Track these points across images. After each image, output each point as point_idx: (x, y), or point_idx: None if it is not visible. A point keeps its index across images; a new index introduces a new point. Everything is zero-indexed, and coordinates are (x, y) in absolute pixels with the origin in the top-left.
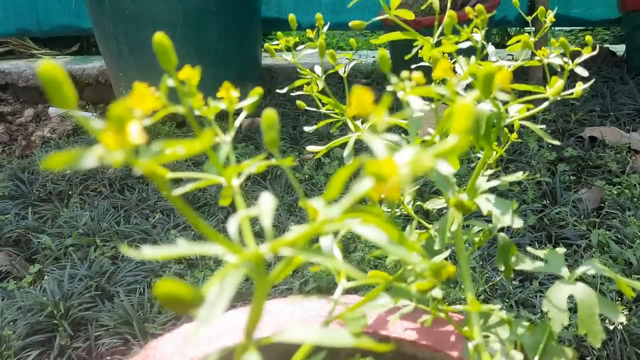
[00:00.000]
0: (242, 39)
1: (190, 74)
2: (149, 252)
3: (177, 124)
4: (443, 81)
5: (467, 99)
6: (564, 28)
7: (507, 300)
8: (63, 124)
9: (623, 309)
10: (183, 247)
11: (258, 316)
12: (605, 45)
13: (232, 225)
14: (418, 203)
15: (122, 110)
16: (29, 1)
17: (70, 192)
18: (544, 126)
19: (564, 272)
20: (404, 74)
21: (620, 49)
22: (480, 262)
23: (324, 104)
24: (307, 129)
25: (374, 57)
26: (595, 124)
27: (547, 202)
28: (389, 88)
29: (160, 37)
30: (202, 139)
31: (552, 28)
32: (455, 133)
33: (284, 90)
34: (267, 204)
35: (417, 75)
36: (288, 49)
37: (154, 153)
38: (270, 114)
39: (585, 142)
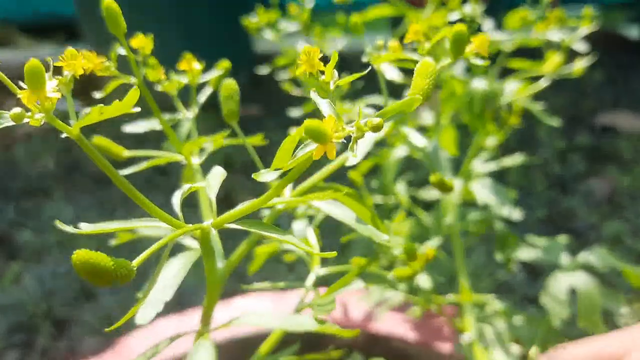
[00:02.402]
0: (235, 20)
1: (143, 42)
2: (87, 227)
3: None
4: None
5: (430, 59)
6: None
7: (514, 295)
8: None
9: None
10: (121, 223)
11: (213, 302)
12: (619, 32)
13: (175, 199)
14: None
15: (37, 65)
16: None
17: (54, 187)
18: (541, 107)
19: (564, 260)
20: (379, 41)
21: (634, 33)
22: (487, 256)
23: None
24: (293, 113)
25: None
26: (608, 111)
27: (557, 192)
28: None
29: (108, 2)
30: (126, 102)
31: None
32: (414, 92)
33: (265, 72)
34: (215, 178)
35: (394, 43)
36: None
37: (81, 117)
38: (229, 84)
39: (597, 129)
